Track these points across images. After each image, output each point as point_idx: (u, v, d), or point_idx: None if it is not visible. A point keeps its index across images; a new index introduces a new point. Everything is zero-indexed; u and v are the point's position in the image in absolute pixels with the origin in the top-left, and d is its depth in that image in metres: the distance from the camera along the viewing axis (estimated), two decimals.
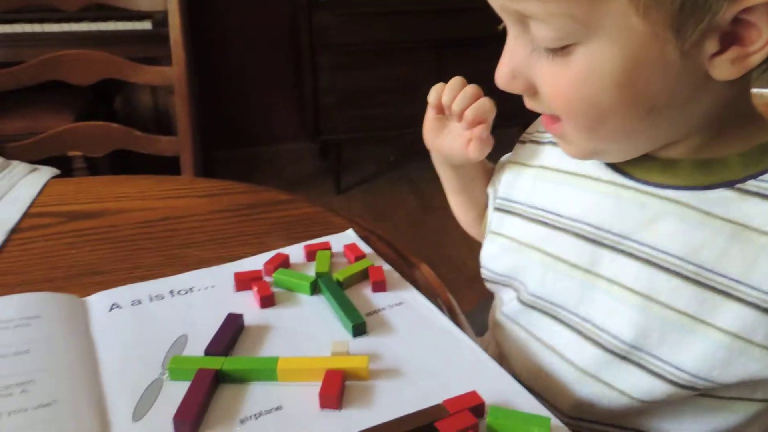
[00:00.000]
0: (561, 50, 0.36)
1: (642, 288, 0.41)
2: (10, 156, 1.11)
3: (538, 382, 0.47)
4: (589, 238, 0.44)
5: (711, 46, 0.33)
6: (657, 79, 0.35)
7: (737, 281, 0.38)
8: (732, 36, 0.33)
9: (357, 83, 2.12)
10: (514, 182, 0.52)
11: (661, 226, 0.40)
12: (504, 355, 0.52)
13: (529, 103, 0.42)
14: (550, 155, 0.49)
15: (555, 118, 0.41)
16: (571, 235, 0.45)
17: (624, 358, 0.42)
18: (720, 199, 0.39)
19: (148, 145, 1.18)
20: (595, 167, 0.45)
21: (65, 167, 1.59)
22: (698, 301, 0.39)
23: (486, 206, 0.60)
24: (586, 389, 0.44)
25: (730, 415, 0.42)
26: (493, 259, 0.52)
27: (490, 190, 0.58)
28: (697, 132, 0.39)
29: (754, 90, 0.40)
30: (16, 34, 1.61)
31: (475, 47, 2.11)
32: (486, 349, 0.43)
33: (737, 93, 0.38)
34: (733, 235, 0.38)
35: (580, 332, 0.44)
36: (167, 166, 1.22)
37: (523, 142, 0.54)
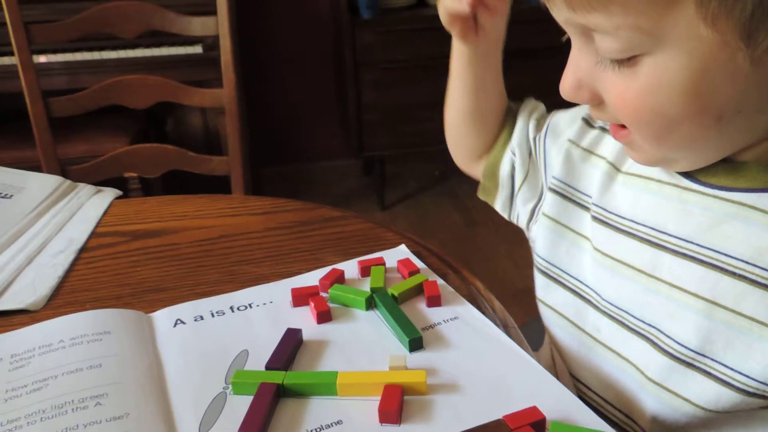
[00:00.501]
0: (627, 61, 0.36)
1: (706, 293, 0.40)
2: (74, 178, 1.16)
3: (608, 392, 0.47)
4: (650, 242, 0.43)
5: None
6: (726, 88, 0.34)
7: None
8: None
9: (400, 99, 2.14)
10: (582, 170, 0.51)
11: (725, 229, 0.40)
12: (567, 362, 0.51)
13: (595, 113, 0.42)
14: (616, 152, 0.49)
15: (622, 126, 0.41)
16: (634, 239, 0.45)
17: (689, 365, 0.41)
18: None
19: (201, 165, 1.22)
20: (658, 169, 0.44)
21: (121, 188, 1.66)
22: (766, 306, 0.38)
23: (501, 113, 0.60)
24: (650, 398, 0.43)
25: None
26: (556, 251, 0.51)
27: (530, 127, 0.57)
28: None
29: None
30: (77, 62, 1.70)
31: (516, 60, 2.10)
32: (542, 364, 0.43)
33: None
34: None
35: (647, 338, 0.44)
36: (216, 182, 1.26)
37: (591, 126, 0.53)
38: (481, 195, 0.64)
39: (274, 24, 2.33)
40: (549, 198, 0.53)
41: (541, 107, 0.61)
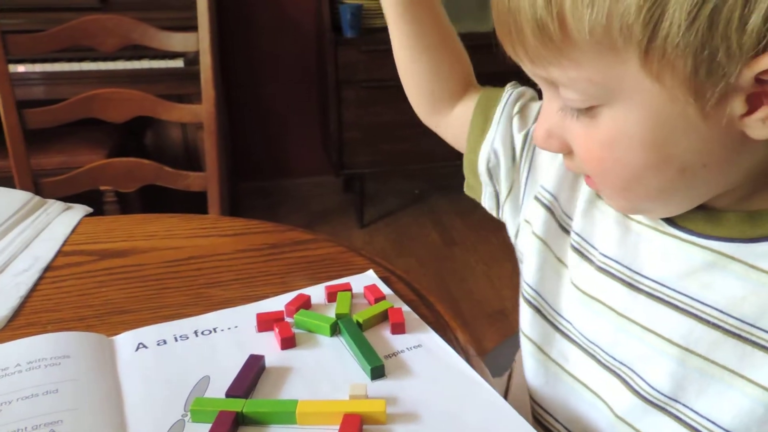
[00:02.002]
0: (588, 111, 0.37)
1: (680, 339, 0.40)
2: (46, 190, 1.15)
3: (576, 426, 0.47)
4: (625, 281, 0.43)
5: (738, 107, 0.32)
6: (684, 141, 0.34)
7: None
8: (761, 95, 0.32)
9: (381, 118, 2.15)
10: (574, 185, 0.49)
11: (703, 278, 0.40)
12: (535, 391, 0.51)
13: (567, 163, 0.42)
14: None
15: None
16: (608, 276, 0.44)
17: (661, 408, 0.41)
18: (767, 253, 0.38)
19: (177, 181, 1.21)
20: None
21: (97, 201, 1.64)
22: (738, 356, 0.38)
23: (465, 82, 0.59)
24: None
25: None
26: (543, 279, 0.49)
27: (514, 121, 0.53)
28: (742, 185, 0.38)
29: None
30: (56, 73, 1.69)
31: (498, 83, 2.13)
32: (502, 390, 0.43)
33: None
34: None
35: (619, 376, 0.44)
36: (195, 197, 1.25)
37: None
38: (467, 191, 0.60)
39: (257, 40, 2.34)
40: (537, 212, 0.50)
41: (529, 94, 0.55)
